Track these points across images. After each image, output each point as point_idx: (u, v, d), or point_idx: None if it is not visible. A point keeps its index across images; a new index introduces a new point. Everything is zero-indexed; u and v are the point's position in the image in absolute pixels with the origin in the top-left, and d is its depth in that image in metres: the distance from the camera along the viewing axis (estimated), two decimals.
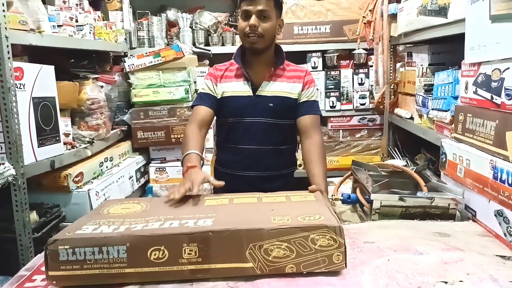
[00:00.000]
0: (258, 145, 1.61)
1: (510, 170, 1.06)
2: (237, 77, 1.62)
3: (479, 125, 1.26)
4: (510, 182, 1.05)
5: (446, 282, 0.87)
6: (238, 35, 2.67)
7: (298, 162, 2.78)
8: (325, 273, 0.91)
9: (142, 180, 2.65)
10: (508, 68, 1.11)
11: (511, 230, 1.06)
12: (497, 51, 1.16)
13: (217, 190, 1.75)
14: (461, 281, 0.87)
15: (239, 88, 1.61)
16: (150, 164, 2.70)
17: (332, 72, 2.95)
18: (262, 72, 1.61)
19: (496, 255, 1.01)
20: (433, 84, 1.94)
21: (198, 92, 1.68)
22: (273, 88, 1.60)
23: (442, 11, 1.75)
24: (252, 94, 1.60)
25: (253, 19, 1.50)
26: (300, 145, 1.64)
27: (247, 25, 1.51)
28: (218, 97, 1.62)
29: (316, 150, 1.54)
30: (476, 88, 1.30)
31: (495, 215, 1.13)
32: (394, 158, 2.58)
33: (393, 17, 2.45)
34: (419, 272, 0.91)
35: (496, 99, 1.17)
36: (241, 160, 1.63)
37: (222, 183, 1.32)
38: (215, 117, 1.67)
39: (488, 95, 1.22)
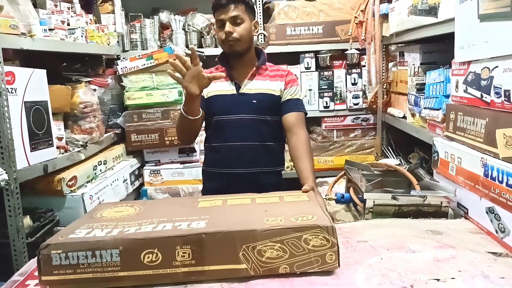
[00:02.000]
0: (244, 141, 1.65)
1: (500, 168, 1.07)
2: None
3: (470, 123, 1.27)
4: (500, 179, 1.06)
5: (438, 280, 0.88)
6: None
7: (286, 164, 2.83)
8: (318, 272, 0.91)
9: (137, 183, 2.64)
10: (497, 66, 1.12)
11: (502, 227, 1.07)
12: (485, 50, 1.17)
13: (206, 191, 1.77)
14: (453, 278, 0.88)
15: (223, 87, 1.68)
16: (145, 167, 2.69)
17: (325, 73, 2.95)
18: (245, 72, 1.69)
19: (488, 252, 1.02)
20: (425, 83, 1.95)
21: None
22: (256, 86, 1.68)
23: (432, 10, 1.76)
24: (236, 93, 1.67)
25: (228, 26, 1.59)
26: (287, 142, 1.67)
27: (223, 33, 1.60)
28: (205, 97, 1.68)
29: (302, 146, 1.58)
30: (466, 87, 1.31)
31: (487, 212, 1.14)
32: (388, 157, 2.59)
33: (384, 17, 2.46)
34: (411, 270, 0.92)
35: (485, 97, 1.18)
36: (230, 157, 1.67)
37: (222, 74, 1.47)
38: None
39: (478, 94, 1.23)
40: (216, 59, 1.76)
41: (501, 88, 1.10)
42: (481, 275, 0.89)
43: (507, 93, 1.07)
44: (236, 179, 1.66)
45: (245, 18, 1.61)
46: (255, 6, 1.72)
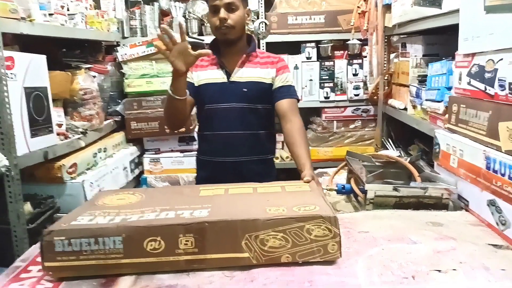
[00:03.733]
0: (235, 130, 1.65)
1: (502, 160, 1.07)
2: (211, 65, 1.69)
3: (473, 115, 1.27)
4: (502, 172, 1.07)
5: (439, 271, 0.88)
6: None
7: (286, 154, 2.84)
8: (320, 262, 0.92)
9: (136, 171, 2.64)
10: (502, 59, 1.11)
11: (503, 220, 1.07)
12: (491, 42, 1.16)
13: (198, 179, 1.78)
14: (454, 269, 0.89)
15: (214, 75, 1.67)
16: (144, 155, 2.69)
17: (326, 63, 2.94)
18: (235, 60, 1.67)
19: (488, 244, 1.03)
20: (426, 75, 1.95)
21: None
22: (246, 74, 1.66)
23: (436, 1, 1.74)
24: (226, 81, 1.65)
25: (222, 12, 1.57)
26: (282, 130, 1.65)
27: (217, 19, 1.58)
28: (196, 85, 1.67)
29: (297, 132, 1.58)
30: (469, 79, 1.30)
31: (488, 205, 1.14)
32: (388, 149, 2.59)
33: (387, 7, 2.44)
34: (412, 261, 0.92)
35: (489, 89, 1.18)
36: (221, 146, 1.67)
37: (208, 51, 1.47)
38: (195, 107, 1.73)
39: (481, 86, 1.23)
40: (206, 46, 1.74)
41: (505, 81, 1.10)
42: (481, 267, 0.90)
43: (511, 86, 1.07)
44: (225, 168, 1.66)
45: (239, 4, 1.60)
46: None
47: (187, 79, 1.61)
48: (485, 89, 1.20)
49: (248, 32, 1.73)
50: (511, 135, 1.06)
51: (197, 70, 1.69)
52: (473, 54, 1.29)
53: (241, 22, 1.62)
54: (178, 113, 1.60)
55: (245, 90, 1.64)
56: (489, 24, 1.17)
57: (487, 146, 1.16)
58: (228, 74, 1.66)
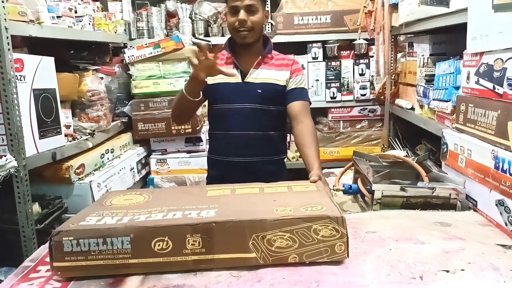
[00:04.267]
0: (248, 131, 1.65)
1: (511, 160, 1.06)
2: (227, 65, 1.68)
3: (481, 115, 1.26)
4: (511, 172, 1.06)
5: (447, 271, 0.88)
6: None
7: (292, 155, 2.83)
8: (327, 262, 0.92)
9: (143, 172, 2.66)
10: (511, 57, 1.11)
11: None
12: (499, 41, 1.16)
13: (209, 178, 1.79)
14: (463, 269, 0.88)
15: None
16: (151, 156, 2.70)
17: (333, 63, 2.94)
18: (250, 61, 1.67)
19: (497, 244, 1.02)
20: (434, 75, 1.93)
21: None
22: (261, 75, 1.66)
23: (444, 0, 1.73)
24: (241, 81, 1.65)
25: (242, 14, 1.56)
26: (292, 131, 1.67)
27: (236, 20, 1.58)
28: (209, 83, 1.65)
29: (308, 133, 1.58)
30: (478, 78, 1.29)
31: (496, 205, 1.13)
32: (395, 149, 2.58)
33: (394, 7, 2.43)
34: (420, 261, 0.92)
35: (498, 89, 1.17)
36: (232, 146, 1.67)
37: (234, 72, 1.55)
38: (206, 105, 1.74)
39: (490, 85, 1.22)
40: (223, 46, 1.74)
41: None
42: (490, 267, 0.89)
43: None
44: (236, 167, 1.67)
45: (259, 7, 1.59)
46: None
47: None
48: (494, 88, 1.19)
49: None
50: None
51: None
52: (482, 53, 1.28)
53: (260, 24, 1.61)
54: (188, 111, 1.65)
55: (260, 91, 1.64)
56: (498, 22, 1.16)
57: (496, 146, 1.15)
58: (243, 75, 1.66)
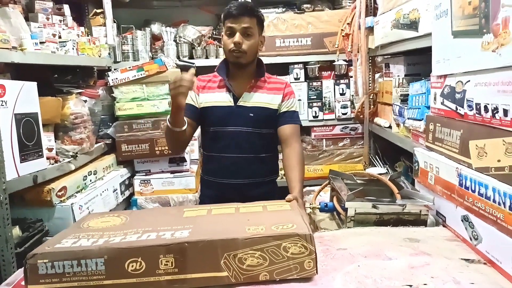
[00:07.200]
0: (240, 154, 1.68)
1: (473, 177, 1.11)
2: (219, 88, 1.70)
3: (447, 134, 1.32)
4: (473, 188, 1.11)
5: (410, 286, 0.91)
6: (222, 48, 2.72)
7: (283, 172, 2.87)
8: (297, 279, 0.95)
9: (127, 193, 2.66)
10: (469, 80, 1.17)
11: (475, 235, 1.11)
12: (458, 65, 1.23)
13: (204, 197, 1.81)
14: (425, 284, 0.92)
15: (221, 98, 1.69)
16: (135, 177, 2.71)
17: (314, 83, 3.01)
18: (243, 84, 1.69)
19: (461, 259, 1.06)
20: (408, 94, 2.01)
21: None
22: (253, 99, 1.68)
23: (413, 25, 1.82)
24: (233, 104, 1.67)
25: (237, 37, 1.58)
26: (282, 153, 1.71)
27: (231, 42, 1.60)
28: (199, 108, 1.68)
29: (294, 157, 1.63)
30: (443, 99, 1.36)
31: (462, 220, 1.18)
32: (376, 166, 2.64)
33: (370, 29, 2.52)
34: (386, 277, 0.95)
35: (460, 109, 1.23)
36: (225, 168, 1.70)
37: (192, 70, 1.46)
38: (199, 127, 1.76)
39: (453, 106, 1.28)
40: (215, 69, 1.75)
41: (473, 101, 1.15)
42: (452, 281, 0.93)
43: (478, 106, 1.12)
44: (230, 189, 1.69)
45: (255, 32, 1.61)
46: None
47: (190, 102, 1.66)
48: (456, 109, 1.26)
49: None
50: (479, 153, 1.11)
51: (204, 92, 1.71)
52: (445, 76, 1.35)
53: (254, 48, 1.63)
54: (180, 140, 1.66)
55: (252, 115, 1.66)
56: (456, 47, 1.24)
57: (460, 164, 1.21)
58: (236, 98, 1.67)
